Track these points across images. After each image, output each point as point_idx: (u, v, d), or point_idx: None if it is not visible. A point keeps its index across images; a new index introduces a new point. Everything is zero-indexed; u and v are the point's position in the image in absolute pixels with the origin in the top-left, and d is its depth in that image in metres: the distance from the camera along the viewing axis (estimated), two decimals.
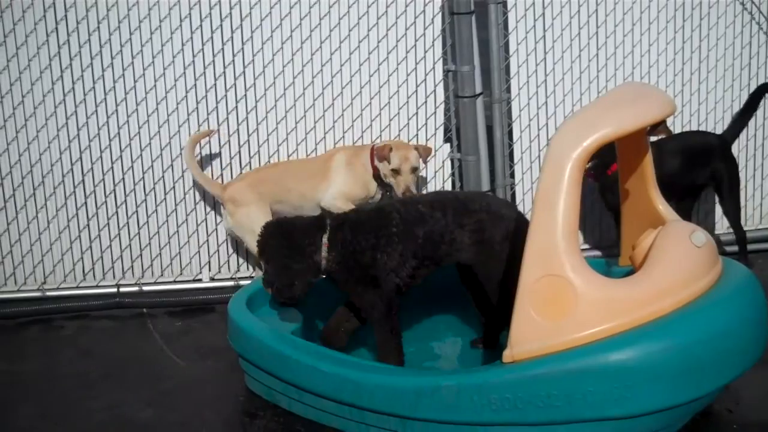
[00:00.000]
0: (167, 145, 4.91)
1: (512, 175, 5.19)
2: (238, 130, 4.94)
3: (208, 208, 5.01)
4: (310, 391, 3.69)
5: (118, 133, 4.86)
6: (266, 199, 4.74)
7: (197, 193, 4.98)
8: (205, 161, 4.95)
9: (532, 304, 3.30)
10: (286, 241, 3.79)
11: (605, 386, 3.18)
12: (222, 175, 4.98)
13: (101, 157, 4.88)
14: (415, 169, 4.67)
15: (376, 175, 4.78)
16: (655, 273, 3.37)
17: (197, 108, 4.87)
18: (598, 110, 3.49)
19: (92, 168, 4.88)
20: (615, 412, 3.21)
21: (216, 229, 5.04)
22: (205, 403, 3.98)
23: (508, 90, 5.07)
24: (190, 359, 4.35)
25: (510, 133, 5.13)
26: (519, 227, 3.89)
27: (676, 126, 5.21)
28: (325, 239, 3.82)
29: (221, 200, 4.80)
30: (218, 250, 5.06)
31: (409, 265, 3.86)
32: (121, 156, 4.89)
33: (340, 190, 4.77)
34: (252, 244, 4.57)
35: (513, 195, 5.21)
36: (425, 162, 4.76)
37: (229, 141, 4.94)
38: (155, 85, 4.82)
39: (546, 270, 3.29)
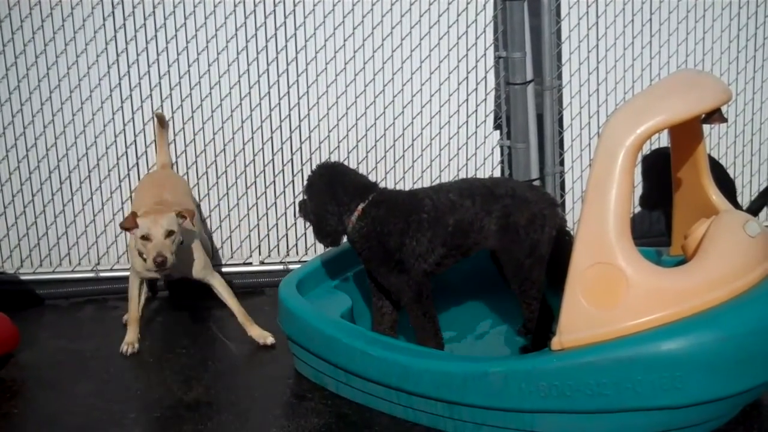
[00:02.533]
0: (219, 130, 4.96)
1: (562, 163, 5.17)
2: (281, 126, 4.98)
3: (259, 193, 5.06)
4: (358, 374, 3.72)
5: (172, 117, 4.92)
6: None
7: (248, 178, 5.03)
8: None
9: (582, 291, 3.30)
10: (329, 189, 3.88)
11: (655, 376, 3.17)
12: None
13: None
14: (170, 233, 4.05)
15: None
16: (707, 263, 3.35)
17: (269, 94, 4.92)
18: (652, 97, 3.46)
19: (146, 152, 4.95)
20: (664, 402, 3.20)
21: (266, 213, 5.08)
22: (255, 384, 4.04)
23: (560, 77, 5.04)
24: (240, 341, 4.41)
25: (560, 120, 5.10)
26: (543, 211, 3.91)
27: (730, 114, 5.14)
28: (360, 206, 3.85)
29: None
30: (268, 235, 5.11)
31: (438, 253, 3.88)
32: (174, 140, 4.95)
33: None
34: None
35: (562, 183, 5.18)
36: (191, 224, 4.21)
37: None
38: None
39: (597, 258, 3.28)
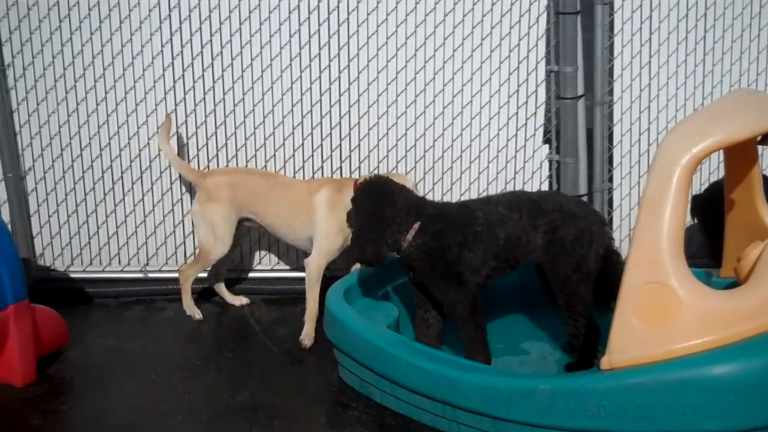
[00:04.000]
0: (271, 135, 5.00)
1: (610, 180, 5.15)
2: (331, 133, 5.02)
3: None
4: (403, 385, 3.74)
5: (224, 122, 4.97)
6: (238, 207, 4.61)
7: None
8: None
9: (633, 311, 3.29)
10: (377, 208, 3.83)
11: (706, 400, 3.15)
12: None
13: (207, 144, 5.00)
14: None
15: None
16: (762, 286, 3.32)
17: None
18: (709, 117, 3.45)
19: (197, 155, 5.01)
20: (715, 427, 3.17)
21: None
22: (300, 391, 4.07)
23: (611, 93, 5.02)
24: (286, 347, 4.45)
25: (610, 136, 5.09)
26: (591, 227, 3.91)
27: None
28: (417, 224, 3.85)
29: (196, 186, 4.73)
30: None
31: (489, 266, 3.90)
32: (226, 144, 5.00)
33: (323, 247, 4.46)
34: (203, 236, 4.66)
35: (611, 200, 5.16)
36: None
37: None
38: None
39: (649, 277, 3.27)
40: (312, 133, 4.99)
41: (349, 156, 5.03)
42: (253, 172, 4.80)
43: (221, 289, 4.95)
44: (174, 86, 4.91)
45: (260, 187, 4.60)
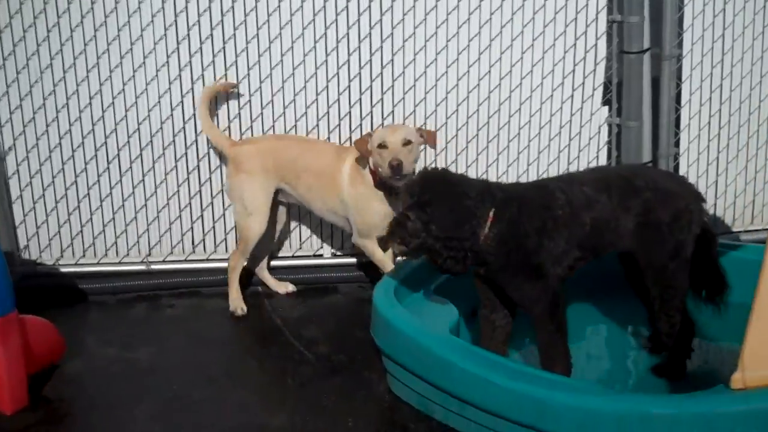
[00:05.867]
0: (280, 116, 4.31)
1: (677, 144, 4.52)
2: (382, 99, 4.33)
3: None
4: (477, 405, 3.12)
5: (226, 104, 4.28)
6: (271, 176, 4.11)
7: None
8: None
9: None
10: (456, 202, 3.18)
11: None
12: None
13: (239, 113, 4.31)
14: (407, 143, 3.82)
15: (375, 178, 3.94)
16: None
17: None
18: None
19: (229, 126, 4.31)
20: None
21: None
22: (345, 407, 3.43)
23: (680, 45, 4.37)
24: (319, 352, 3.81)
25: (678, 95, 4.45)
26: (690, 206, 3.37)
27: None
28: (491, 213, 3.22)
29: (226, 157, 4.19)
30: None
31: (572, 256, 3.31)
32: (229, 127, 4.31)
33: (366, 222, 3.99)
34: (238, 215, 4.15)
35: (676, 167, 4.54)
36: (432, 146, 3.97)
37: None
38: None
39: None
40: (360, 98, 4.32)
41: (392, 112, 4.35)
42: (284, 138, 4.24)
43: (264, 275, 4.38)
44: (178, 49, 4.20)
45: (292, 153, 4.10)
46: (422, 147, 3.96)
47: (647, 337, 3.69)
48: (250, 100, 4.27)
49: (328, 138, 4.33)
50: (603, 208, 3.30)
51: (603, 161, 4.50)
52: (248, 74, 4.23)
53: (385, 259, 4.00)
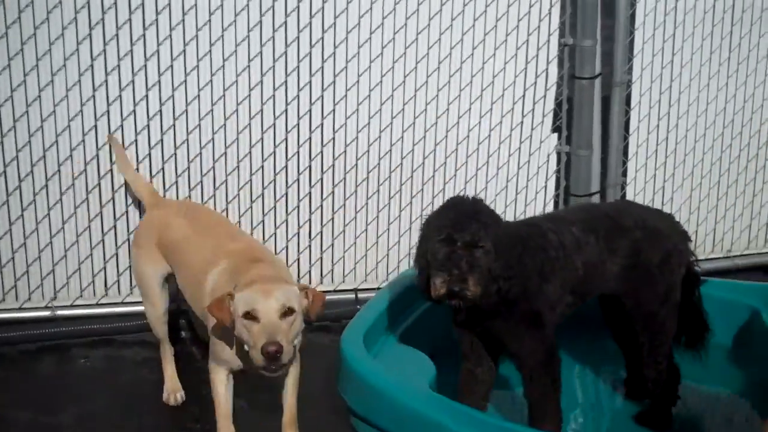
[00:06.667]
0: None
1: (624, 173, 4.35)
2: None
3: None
4: None
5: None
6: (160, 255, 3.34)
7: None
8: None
9: None
10: (516, 232, 2.95)
11: None
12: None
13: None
14: (288, 312, 2.76)
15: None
16: None
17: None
18: None
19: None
20: None
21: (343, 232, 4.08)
22: None
23: (629, 71, 4.21)
24: (267, 401, 3.33)
25: (626, 123, 4.28)
26: (679, 246, 3.18)
27: None
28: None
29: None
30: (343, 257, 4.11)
31: (564, 302, 3.06)
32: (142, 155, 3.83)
33: (215, 351, 3.00)
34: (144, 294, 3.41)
35: (623, 196, 4.36)
36: (312, 314, 2.87)
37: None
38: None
39: None
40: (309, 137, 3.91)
41: (320, 153, 3.99)
42: (193, 207, 3.52)
43: None
44: (92, 66, 3.69)
45: (179, 233, 3.25)
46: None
47: (623, 381, 3.47)
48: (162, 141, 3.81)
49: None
50: (592, 250, 3.06)
51: (551, 191, 4.27)
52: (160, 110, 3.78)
53: (221, 401, 3.01)
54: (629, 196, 4.36)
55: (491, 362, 3.10)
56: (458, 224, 2.82)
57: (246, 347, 2.78)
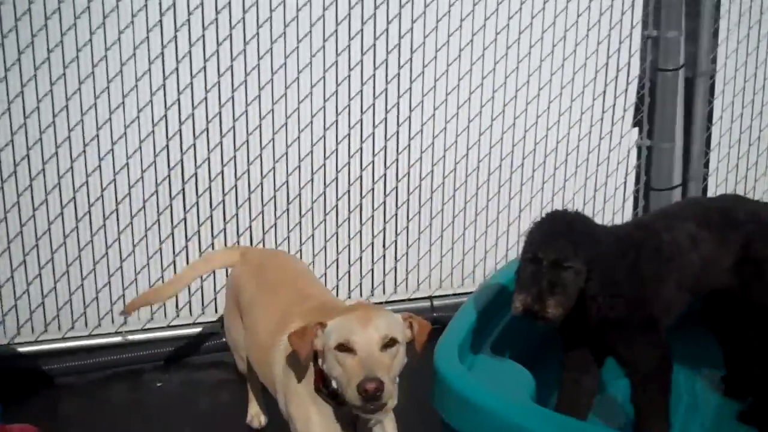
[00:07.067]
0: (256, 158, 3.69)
1: (706, 165, 4.18)
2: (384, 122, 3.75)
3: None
4: None
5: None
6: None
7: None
8: None
9: None
10: (616, 243, 2.82)
11: None
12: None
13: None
14: (390, 343, 2.40)
15: (317, 387, 2.52)
16: None
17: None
18: None
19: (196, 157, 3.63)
20: None
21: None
22: None
23: (713, 60, 4.01)
24: None
25: (710, 113, 4.10)
26: None
27: None
28: None
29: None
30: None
31: (682, 301, 2.95)
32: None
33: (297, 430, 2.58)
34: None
35: (705, 187, 4.20)
36: (418, 345, 2.53)
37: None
38: None
39: None
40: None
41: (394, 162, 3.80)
42: (267, 259, 3.07)
43: None
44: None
45: (249, 292, 2.90)
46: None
47: (722, 378, 3.34)
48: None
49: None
50: (707, 245, 2.94)
51: (630, 187, 4.11)
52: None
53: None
54: (711, 187, 4.21)
55: (597, 369, 2.98)
56: (546, 242, 2.69)
57: (335, 385, 2.41)
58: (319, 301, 2.71)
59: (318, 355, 2.44)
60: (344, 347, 2.35)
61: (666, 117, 3.97)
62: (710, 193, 4.20)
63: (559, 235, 2.70)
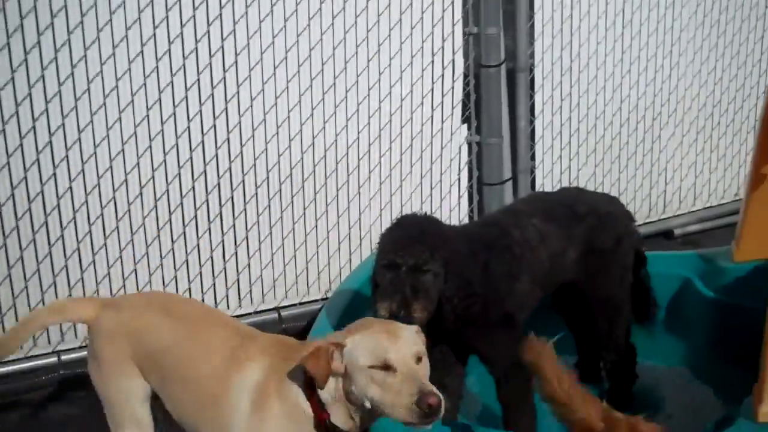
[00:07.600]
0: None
1: (532, 157, 4.32)
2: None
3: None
4: None
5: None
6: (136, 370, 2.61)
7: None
8: None
9: None
10: (467, 245, 2.83)
11: None
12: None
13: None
14: (421, 355, 2.32)
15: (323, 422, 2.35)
16: None
17: None
18: None
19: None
20: None
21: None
22: None
23: (532, 56, 4.17)
24: None
25: (531, 107, 4.25)
26: (629, 228, 3.20)
27: None
28: None
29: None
30: None
31: (534, 297, 3.00)
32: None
33: None
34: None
35: (533, 181, 4.34)
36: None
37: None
38: None
39: None
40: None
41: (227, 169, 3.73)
42: (159, 302, 2.68)
43: None
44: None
45: (163, 336, 2.56)
46: None
47: (574, 365, 3.44)
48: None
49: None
50: (553, 240, 3.00)
51: (464, 183, 4.19)
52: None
53: None
54: (538, 180, 4.35)
55: (461, 369, 2.99)
56: (402, 247, 2.70)
57: (368, 404, 2.27)
58: (273, 337, 2.53)
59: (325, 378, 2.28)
60: (380, 366, 2.25)
61: (492, 113, 4.09)
62: (538, 185, 4.34)
63: (413, 239, 2.70)
